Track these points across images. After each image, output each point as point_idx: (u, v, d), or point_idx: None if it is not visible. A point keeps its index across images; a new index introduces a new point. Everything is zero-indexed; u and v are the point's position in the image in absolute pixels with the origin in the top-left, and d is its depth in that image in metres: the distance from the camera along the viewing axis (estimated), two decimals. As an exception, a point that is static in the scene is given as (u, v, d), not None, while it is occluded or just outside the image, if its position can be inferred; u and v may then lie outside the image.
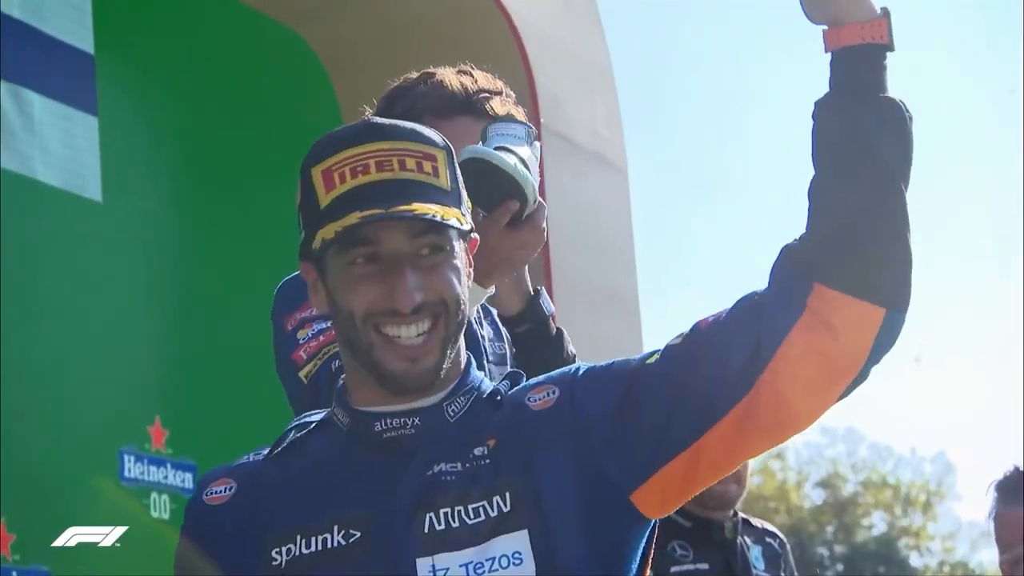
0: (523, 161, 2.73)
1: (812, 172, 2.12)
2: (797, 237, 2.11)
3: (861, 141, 2.08)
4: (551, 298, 3.01)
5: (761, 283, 2.16)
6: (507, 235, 2.69)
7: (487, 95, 2.98)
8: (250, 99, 6.57)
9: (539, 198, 2.74)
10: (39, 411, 5.42)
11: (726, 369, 2.06)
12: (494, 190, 2.69)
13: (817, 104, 2.13)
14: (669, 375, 2.07)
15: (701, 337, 2.10)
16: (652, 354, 2.12)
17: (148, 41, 6.14)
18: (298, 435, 2.16)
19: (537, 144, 2.83)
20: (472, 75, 2.92)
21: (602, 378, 2.11)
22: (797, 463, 37.81)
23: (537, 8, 5.44)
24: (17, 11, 5.44)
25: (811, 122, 2.14)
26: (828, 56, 2.14)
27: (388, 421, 2.10)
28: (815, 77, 2.21)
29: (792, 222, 2.15)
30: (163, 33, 6.17)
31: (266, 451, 2.16)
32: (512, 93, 3.10)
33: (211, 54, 6.45)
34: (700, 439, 2.06)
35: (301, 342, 2.59)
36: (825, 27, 2.15)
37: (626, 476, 2.05)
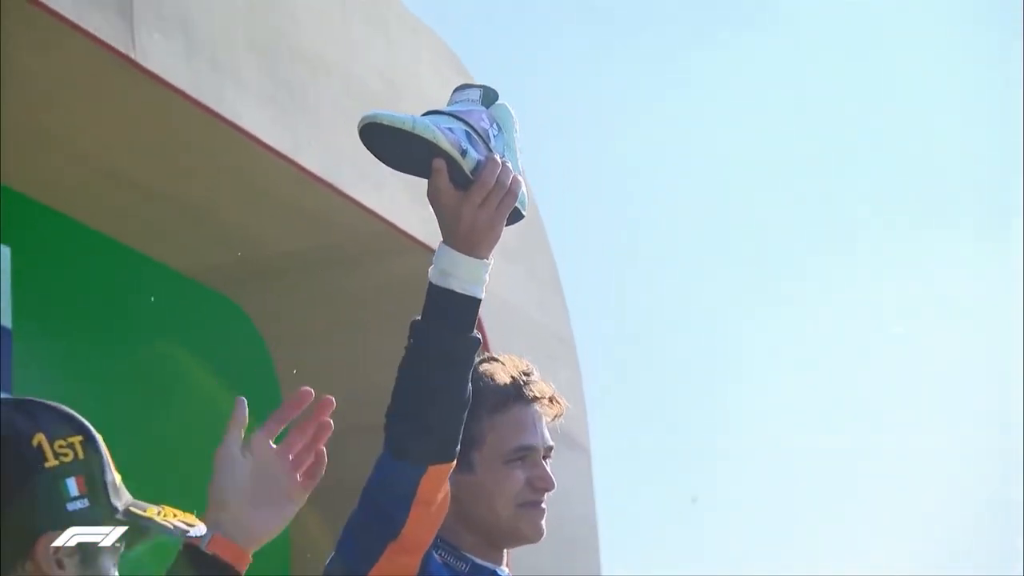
0: (465, 126, 2.64)
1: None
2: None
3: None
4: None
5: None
6: (462, 199, 2.63)
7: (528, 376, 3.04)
8: (183, 372, 6.24)
9: (493, 155, 2.64)
10: None
11: None
12: (411, 155, 2.61)
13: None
14: None
15: None
16: None
17: (70, 312, 5.80)
18: None
19: (506, 110, 2.74)
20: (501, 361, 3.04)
21: None
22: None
23: (496, 276, 5.13)
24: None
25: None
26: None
27: None
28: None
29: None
30: (87, 304, 5.84)
31: None
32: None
33: (140, 323, 6.15)
34: None
35: None
36: None
37: None
